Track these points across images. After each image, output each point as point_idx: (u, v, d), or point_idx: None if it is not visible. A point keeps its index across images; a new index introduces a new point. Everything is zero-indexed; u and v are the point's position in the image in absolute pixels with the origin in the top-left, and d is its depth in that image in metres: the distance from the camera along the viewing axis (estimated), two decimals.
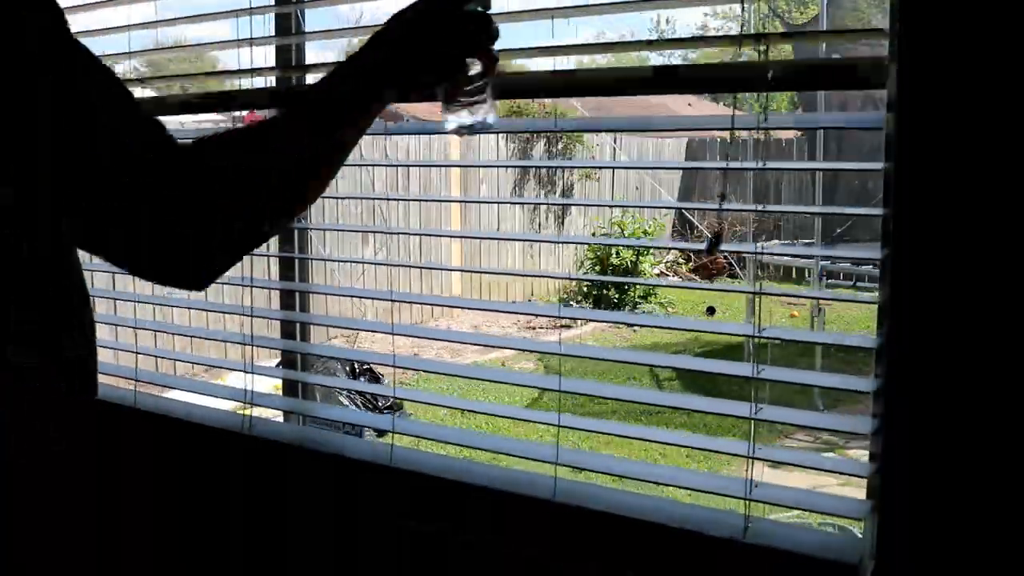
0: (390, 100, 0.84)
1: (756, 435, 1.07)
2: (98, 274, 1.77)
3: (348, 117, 0.82)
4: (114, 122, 0.73)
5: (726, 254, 9.34)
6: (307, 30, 1.44)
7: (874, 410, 0.96)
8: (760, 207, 1.11)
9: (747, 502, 1.04)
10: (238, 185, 0.78)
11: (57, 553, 0.79)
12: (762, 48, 0.97)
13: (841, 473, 1.08)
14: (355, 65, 0.82)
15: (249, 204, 0.80)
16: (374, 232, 1.51)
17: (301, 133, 0.81)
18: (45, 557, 0.77)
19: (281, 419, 1.59)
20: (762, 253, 1.27)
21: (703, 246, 1.07)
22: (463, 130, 0.90)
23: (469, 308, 1.82)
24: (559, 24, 1.15)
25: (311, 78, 1.48)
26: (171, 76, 1.96)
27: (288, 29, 1.43)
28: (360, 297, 1.59)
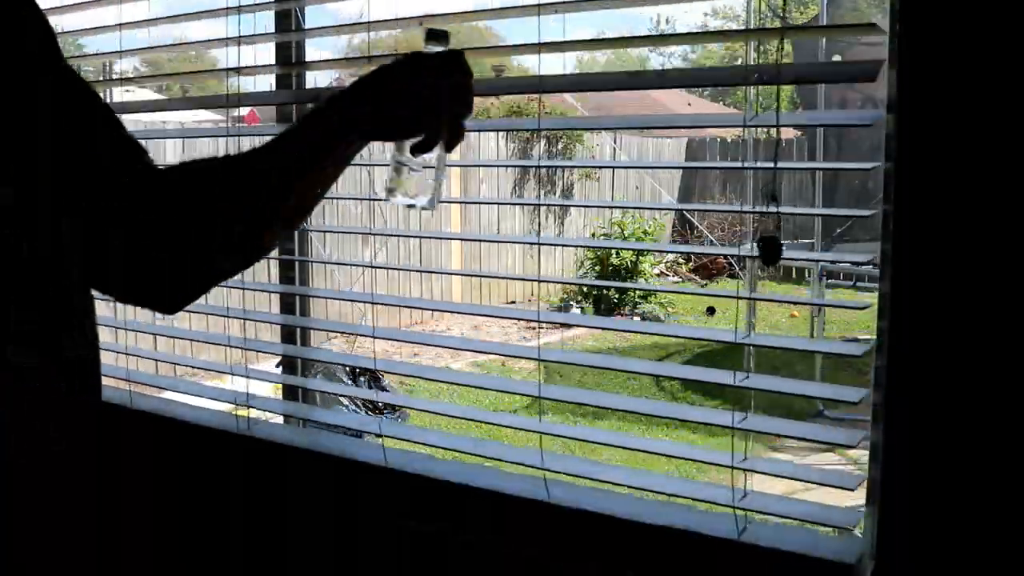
0: (360, 147, 0.86)
1: (749, 438, 1.06)
2: None
3: (316, 158, 0.84)
4: (87, 144, 0.75)
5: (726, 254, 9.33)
6: (307, 27, 1.45)
7: (873, 409, 0.96)
8: (758, 207, 1.11)
9: (736, 512, 1.03)
10: (210, 217, 0.81)
11: (57, 553, 0.79)
12: (762, 48, 0.97)
13: (830, 486, 1.05)
14: (329, 111, 0.83)
15: (222, 234, 0.82)
16: (373, 234, 1.50)
17: (270, 172, 0.83)
18: (45, 557, 0.77)
19: (280, 421, 1.59)
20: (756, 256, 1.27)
21: (755, 253, 0.97)
22: (407, 206, 0.91)
23: (456, 312, 1.82)
24: (558, 21, 1.14)
25: (310, 75, 1.49)
26: (162, 75, 1.96)
27: (288, 26, 1.43)
28: (346, 300, 1.58)
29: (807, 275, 6.80)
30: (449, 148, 0.87)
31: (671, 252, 8.60)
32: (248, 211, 0.83)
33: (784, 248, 0.95)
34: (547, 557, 1.16)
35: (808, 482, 1.07)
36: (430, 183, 0.89)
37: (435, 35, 0.87)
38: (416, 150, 0.85)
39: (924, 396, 0.87)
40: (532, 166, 12.46)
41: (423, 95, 0.82)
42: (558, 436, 1.21)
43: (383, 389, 5.29)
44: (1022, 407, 0.83)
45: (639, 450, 1.17)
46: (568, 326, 7.45)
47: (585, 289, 8.60)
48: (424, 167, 0.88)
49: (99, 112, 0.78)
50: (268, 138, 0.84)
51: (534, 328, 7.77)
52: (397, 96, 0.82)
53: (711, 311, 8.31)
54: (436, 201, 0.89)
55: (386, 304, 1.47)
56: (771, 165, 0.98)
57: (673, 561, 1.08)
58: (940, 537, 0.88)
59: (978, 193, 0.83)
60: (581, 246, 1.55)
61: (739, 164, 1.08)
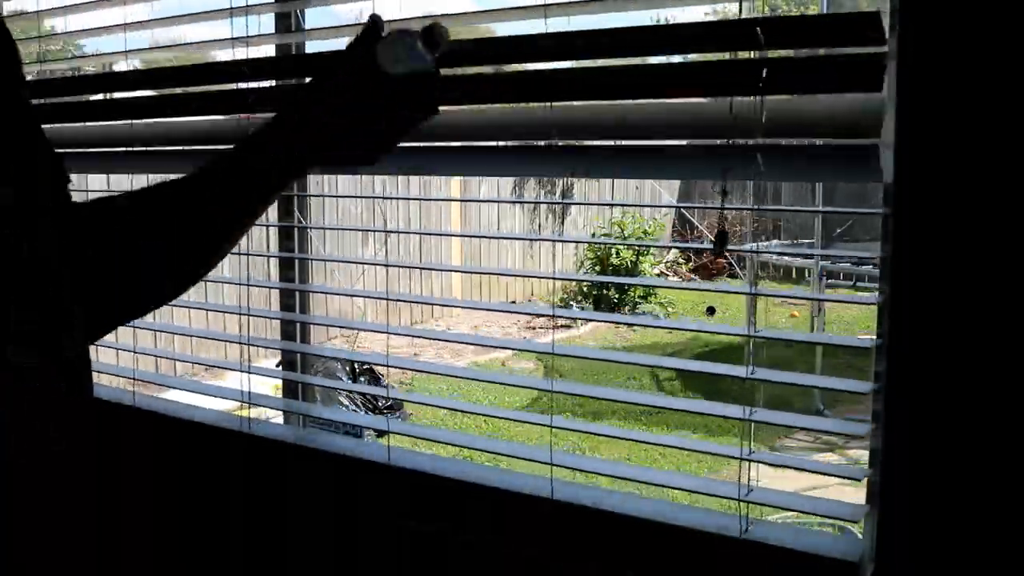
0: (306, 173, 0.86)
1: (754, 434, 1.07)
2: None
3: (261, 191, 0.82)
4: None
5: (726, 254, 9.33)
6: (307, 28, 1.45)
7: (873, 410, 0.96)
8: (757, 206, 1.11)
9: (742, 504, 1.04)
10: (141, 253, 0.81)
11: (57, 553, 0.79)
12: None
13: (837, 476, 1.07)
14: (274, 140, 0.80)
15: (154, 269, 0.82)
16: (374, 231, 1.50)
17: (209, 205, 0.81)
18: (45, 557, 0.77)
19: (281, 420, 1.59)
20: (760, 252, 1.27)
21: (706, 246, 1.05)
22: None
23: (466, 308, 1.81)
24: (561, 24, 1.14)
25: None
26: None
27: (288, 27, 1.43)
28: (359, 296, 1.59)
29: (807, 275, 6.79)
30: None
31: (670, 247, 8.61)
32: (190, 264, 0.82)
33: (729, 241, 0.99)
34: (547, 557, 1.16)
35: (815, 472, 1.09)
36: None
37: (430, 41, 0.77)
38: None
39: (924, 396, 0.87)
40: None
41: (373, 129, 0.78)
42: (569, 430, 1.22)
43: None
44: (1022, 408, 0.83)
45: (647, 443, 1.19)
46: (567, 326, 7.46)
47: (585, 289, 8.59)
48: None
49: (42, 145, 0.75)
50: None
51: (534, 329, 7.77)
52: (343, 134, 0.77)
53: (711, 311, 8.31)
54: None
55: (402, 300, 1.47)
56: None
57: (674, 559, 1.08)
58: (940, 538, 0.88)
59: (980, 191, 0.83)
60: (598, 243, 1.55)
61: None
